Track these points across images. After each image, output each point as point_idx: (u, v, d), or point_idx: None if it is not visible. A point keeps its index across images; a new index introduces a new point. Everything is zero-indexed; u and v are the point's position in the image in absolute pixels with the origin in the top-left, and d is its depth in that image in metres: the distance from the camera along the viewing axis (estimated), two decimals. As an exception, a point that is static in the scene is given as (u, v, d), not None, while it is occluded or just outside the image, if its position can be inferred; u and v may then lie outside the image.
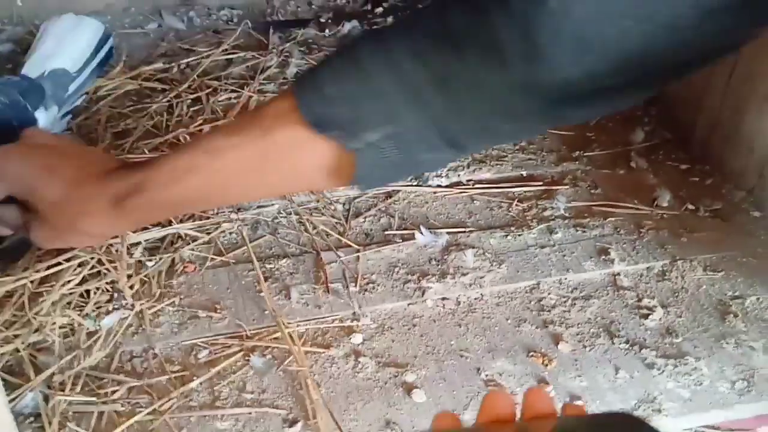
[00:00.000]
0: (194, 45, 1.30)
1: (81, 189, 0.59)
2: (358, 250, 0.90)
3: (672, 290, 0.86)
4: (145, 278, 0.84)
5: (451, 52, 0.48)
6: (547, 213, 0.97)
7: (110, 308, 0.79)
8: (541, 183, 1.02)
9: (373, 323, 0.81)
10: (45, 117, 0.91)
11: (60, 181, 0.59)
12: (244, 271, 0.87)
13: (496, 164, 1.05)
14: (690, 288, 0.86)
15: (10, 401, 0.69)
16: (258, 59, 1.26)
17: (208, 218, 0.92)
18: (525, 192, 1.00)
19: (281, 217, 0.95)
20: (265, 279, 0.85)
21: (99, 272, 0.82)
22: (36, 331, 0.75)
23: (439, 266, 0.88)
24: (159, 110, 1.10)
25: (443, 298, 0.84)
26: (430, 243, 0.91)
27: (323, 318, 0.82)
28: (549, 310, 0.83)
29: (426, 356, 0.78)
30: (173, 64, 1.22)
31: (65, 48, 0.98)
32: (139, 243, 0.86)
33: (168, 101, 1.12)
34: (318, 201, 0.97)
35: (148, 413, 0.70)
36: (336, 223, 0.95)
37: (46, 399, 0.70)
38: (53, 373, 0.72)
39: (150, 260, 0.86)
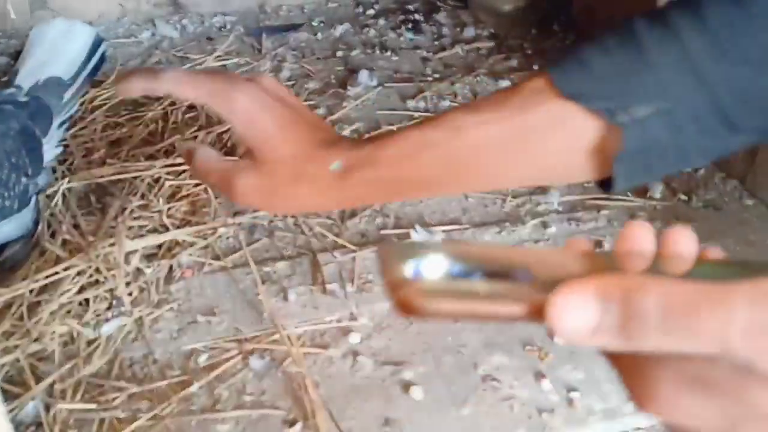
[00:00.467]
0: (188, 52, 1.31)
1: (312, 151, 0.53)
2: (354, 251, 0.90)
3: (667, 281, 0.86)
4: (144, 285, 0.85)
5: (738, 20, 0.44)
6: (540, 208, 0.98)
7: (109, 316, 0.80)
8: (534, 178, 1.03)
9: (371, 322, 0.82)
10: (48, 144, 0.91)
11: (294, 137, 0.54)
12: (241, 275, 0.88)
13: (490, 161, 1.05)
14: (685, 278, 0.87)
15: (11, 411, 0.70)
16: (252, 64, 1.27)
17: (204, 223, 0.93)
18: (518, 189, 1.01)
19: (277, 220, 0.96)
20: (263, 282, 0.86)
21: (97, 281, 0.82)
22: (36, 340, 0.76)
23: (435, 264, 0.89)
24: (154, 118, 1.11)
25: (439, 296, 0.85)
26: (425, 241, 0.92)
27: (321, 319, 0.82)
28: (544, 304, 0.84)
29: (423, 353, 0.79)
30: (167, 72, 1.23)
31: (58, 55, 0.97)
32: (136, 251, 0.87)
33: (163, 109, 1.13)
34: (313, 203, 0.98)
35: (149, 419, 0.71)
36: (332, 224, 0.95)
37: (47, 408, 0.71)
38: (54, 382, 0.73)
39: (149, 267, 0.87)
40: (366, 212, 0.97)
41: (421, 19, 1.45)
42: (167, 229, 0.91)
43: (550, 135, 0.49)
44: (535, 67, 1.30)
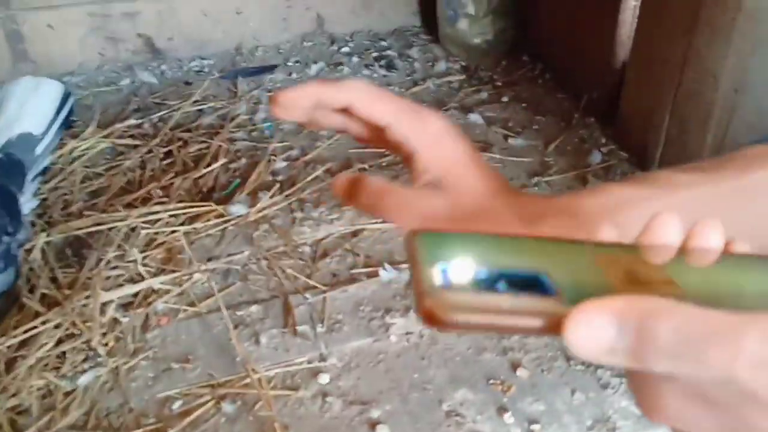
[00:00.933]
0: (166, 98, 1.34)
1: (500, 189, 0.49)
2: (324, 291, 0.93)
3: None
4: (120, 334, 0.87)
5: None
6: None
7: (86, 367, 0.83)
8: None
9: (340, 362, 0.85)
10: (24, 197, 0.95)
11: (481, 173, 0.41)
12: (216, 320, 0.90)
13: (457, 196, 1.08)
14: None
15: (-10, 466, 0.72)
16: (227, 108, 1.31)
17: (179, 270, 0.96)
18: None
19: (251, 263, 0.99)
20: (236, 326, 0.89)
21: (74, 333, 0.85)
22: (14, 395, 0.78)
23: (403, 301, 0.91)
24: (132, 167, 1.14)
25: (407, 333, 0.88)
26: (394, 279, 0.95)
27: (291, 360, 0.85)
28: (509, 338, 0.86)
29: (390, 391, 0.81)
30: (145, 119, 1.27)
31: (28, 111, 1.01)
32: (112, 301, 0.89)
33: (140, 157, 1.16)
34: (286, 245, 1.01)
35: (125, 467, 0.74)
36: (303, 265, 0.98)
37: (27, 460, 0.74)
38: (32, 435, 0.76)
39: (125, 316, 0.90)
40: (337, 252, 1.00)
41: (395, 54, 1.48)
42: (143, 278, 0.93)
43: None
44: (505, 99, 1.33)
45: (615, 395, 0.79)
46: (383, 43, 1.53)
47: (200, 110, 1.30)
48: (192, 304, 0.92)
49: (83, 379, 0.81)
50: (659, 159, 1.08)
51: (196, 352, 0.86)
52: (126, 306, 0.91)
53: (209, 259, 0.98)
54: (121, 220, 1.01)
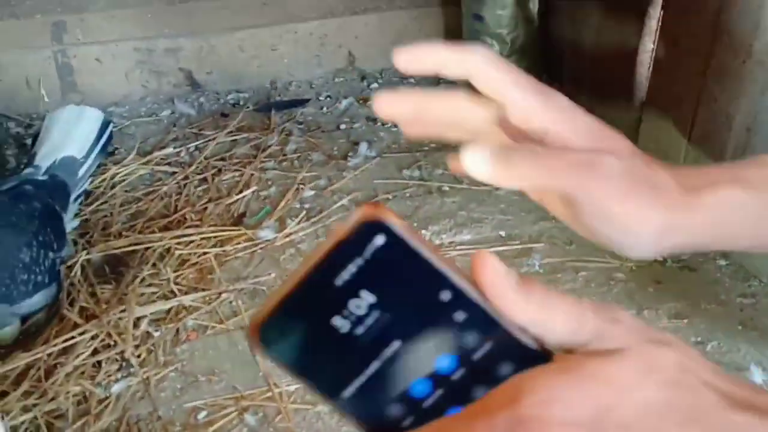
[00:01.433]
0: (203, 128, 1.41)
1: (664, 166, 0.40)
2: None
3: (638, 338, 0.92)
4: (152, 347, 0.93)
5: None
6: (523, 270, 1.04)
7: (119, 376, 0.88)
8: (518, 242, 1.09)
9: (357, 380, 0.89)
10: (66, 217, 1.02)
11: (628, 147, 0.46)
12: (241, 337, 0.95)
13: (476, 226, 1.13)
14: (655, 335, 0.92)
15: (28, 463, 0.77)
16: (260, 138, 1.37)
17: (209, 289, 1.01)
18: (503, 251, 1.08)
19: (277, 285, 1.04)
20: (260, 343, 0.93)
21: (109, 344, 0.91)
22: (52, 399, 0.84)
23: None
24: (168, 192, 1.21)
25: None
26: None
27: (312, 377, 0.89)
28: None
29: (404, 409, 0.85)
30: (182, 148, 1.34)
31: (72, 137, 1.10)
32: (145, 316, 0.95)
33: (177, 183, 1.23)
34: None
35: (151, 471, 0.78)
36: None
37: (61, 461, 0.79)
38: (67, 438, 0.81)
39: (157, 330, 0.95)
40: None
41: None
42: (175, 295, 0.99)
43: None
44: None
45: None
46: (411, 80, 1.59)
47: (235, 140, 1.37)
48: (220, 322, 0.97)
49: (116, 388, 0.87)
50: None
51: (222, 366, 0.91)
52: (158, 321, 0.97)
53: (237, 280, 1.04)
54: (156, 241, 1.07)
